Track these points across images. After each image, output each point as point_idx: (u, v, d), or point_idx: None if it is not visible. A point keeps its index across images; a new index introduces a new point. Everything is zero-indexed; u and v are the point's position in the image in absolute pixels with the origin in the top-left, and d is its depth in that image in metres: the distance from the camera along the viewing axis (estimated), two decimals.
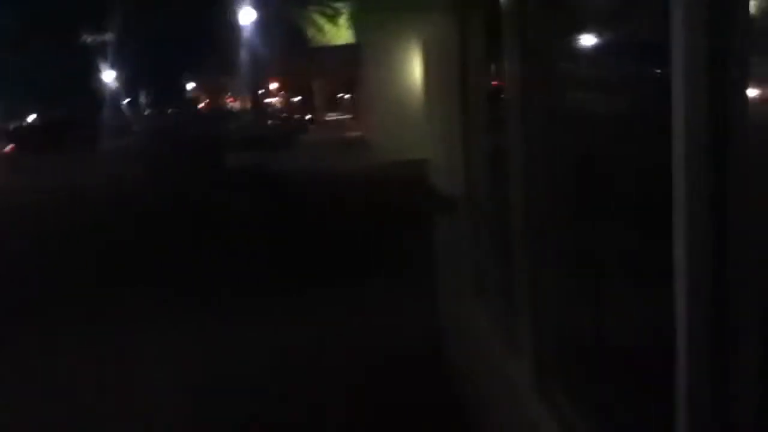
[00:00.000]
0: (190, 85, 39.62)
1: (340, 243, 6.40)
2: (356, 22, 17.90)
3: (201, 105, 36.78)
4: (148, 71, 35.49)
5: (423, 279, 4.33)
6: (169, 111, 37.26)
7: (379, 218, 6.60)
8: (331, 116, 41.35)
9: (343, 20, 21.90)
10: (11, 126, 26.77)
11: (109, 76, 33.69)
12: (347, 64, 19.50)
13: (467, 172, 3.05)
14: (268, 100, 28.02)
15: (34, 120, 30.36)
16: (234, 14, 20.55)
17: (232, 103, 31.54)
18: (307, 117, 32.30)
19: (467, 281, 3.16)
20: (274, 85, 25.84)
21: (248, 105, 23.26)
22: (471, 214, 2.76)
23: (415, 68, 14.96)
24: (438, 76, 4.08)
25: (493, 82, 4.09)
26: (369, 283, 5.36)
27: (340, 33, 22.05)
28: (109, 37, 33.17)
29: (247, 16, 19.94)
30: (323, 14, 22.44)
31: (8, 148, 23.32)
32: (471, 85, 3.42)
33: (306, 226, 7.20)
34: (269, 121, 21.80)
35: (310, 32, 22.47)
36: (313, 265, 5.93)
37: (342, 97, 52.62)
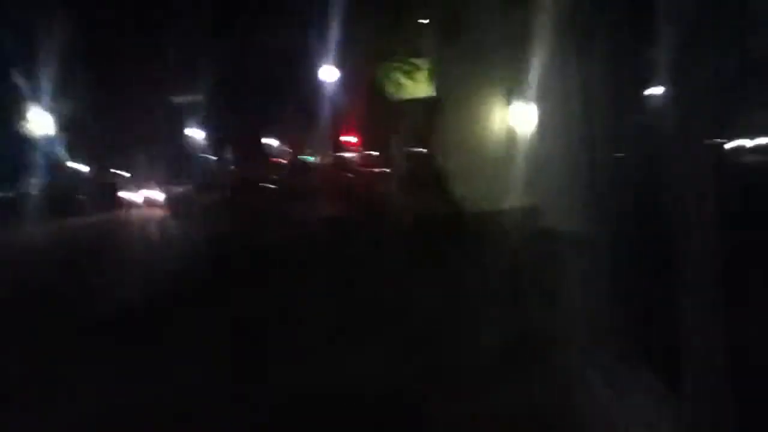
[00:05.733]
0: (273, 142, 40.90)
1: None
2: (436, 76, 18.20)
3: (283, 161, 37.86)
4: (231, 129, 37.05)
5: None
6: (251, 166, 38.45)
7: None
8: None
9: (422, 75, 22.31)
10: None
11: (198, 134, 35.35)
12: (425, 117, 19.77)
13: None
14: (345, 154, 28.57)
15: None
16: (315, 71, 21.28)
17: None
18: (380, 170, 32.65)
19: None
20: (352, 140, 26.38)
21: (327, 160, 23.82)
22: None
23: (495, 121, 14.90)
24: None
25: None
26: None
27: (419, 87, 22.43)
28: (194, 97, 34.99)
29: (327, 73, 20.63)
30: (401, 70, 22.89)
31: None
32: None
33: None
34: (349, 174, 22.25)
35: (389, 87, 22.93)
36: None
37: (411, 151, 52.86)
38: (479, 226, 7.74)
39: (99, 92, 29.02)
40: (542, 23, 6.81)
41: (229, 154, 41.17)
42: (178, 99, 34.72)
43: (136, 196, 30.21)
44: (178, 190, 28.23)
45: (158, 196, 28.82)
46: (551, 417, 3.94)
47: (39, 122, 26.08)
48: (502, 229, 6.84)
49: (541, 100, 7.10)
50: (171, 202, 25.83)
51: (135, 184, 31.86)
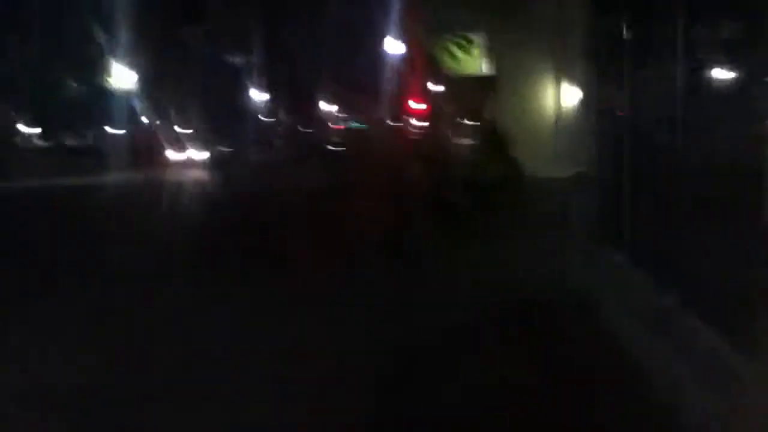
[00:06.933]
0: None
1: None
2: (491, 54, 19.24)
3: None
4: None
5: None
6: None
7: None
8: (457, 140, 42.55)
9: (477, 50, 23.24)
10: None
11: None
12: (479, 93, 20.81)
13: None
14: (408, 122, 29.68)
15: None
16: (376, 41, 22.49)
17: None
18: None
19: None
20: (417, 107, 27.45)
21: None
22: None
23: (547, 98, 16.51)
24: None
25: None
26: None
27: (475, 62, 23.35)
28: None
29: (388, 45, 21.81)
30: (457, 44, 23.81)
31: None
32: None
33: None
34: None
35: (445, 61, 23.93)
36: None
37: (467, 123, 53.30)
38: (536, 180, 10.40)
39: (169, 51, 30.68)
40: (586, 8, 7.97)
41: (286, 117, 42.73)
42: (237, 60, 36.19)
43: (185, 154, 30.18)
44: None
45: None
46: None
47: (120, 77, 27.92)
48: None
49: (585, 79, 8.29)
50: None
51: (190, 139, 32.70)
